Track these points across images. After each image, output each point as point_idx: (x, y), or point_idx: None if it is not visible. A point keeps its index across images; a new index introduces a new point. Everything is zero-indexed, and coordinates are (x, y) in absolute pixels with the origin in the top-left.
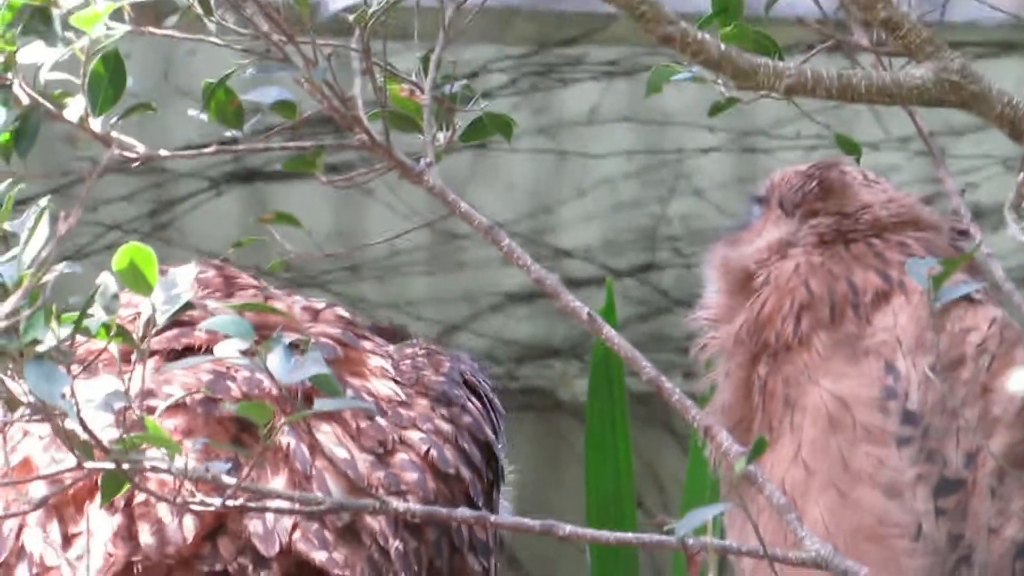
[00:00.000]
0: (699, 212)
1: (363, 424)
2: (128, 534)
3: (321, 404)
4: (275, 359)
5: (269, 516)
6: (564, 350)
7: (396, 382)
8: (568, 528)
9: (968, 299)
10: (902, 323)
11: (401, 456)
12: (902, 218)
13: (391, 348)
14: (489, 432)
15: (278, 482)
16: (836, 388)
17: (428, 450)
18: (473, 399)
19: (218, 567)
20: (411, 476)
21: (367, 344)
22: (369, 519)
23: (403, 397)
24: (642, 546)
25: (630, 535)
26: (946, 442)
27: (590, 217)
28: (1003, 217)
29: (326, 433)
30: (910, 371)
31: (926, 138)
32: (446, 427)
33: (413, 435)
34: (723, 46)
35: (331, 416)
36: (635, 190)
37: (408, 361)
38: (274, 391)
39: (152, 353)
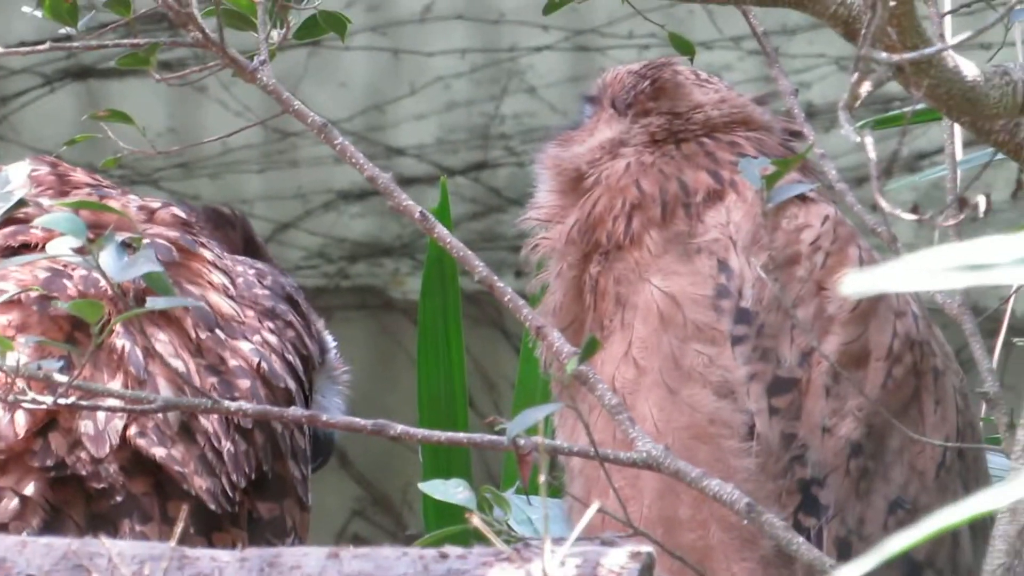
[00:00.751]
0: (532, 111)
1: (202, 335)
2: None
3: (153, 302)
4: (107, 257)
5: (100, 416)
6: (396, 248)
7: (231, 297)
8: (399, 428)
9: (801, 197)
10: (736, 221)
11: (234, 363)
12: (734, 118)
13: (225, 258)
14: (310, 345)
15: (114, 385)
16: (667, 286)
17: (259, 362)
18: (294, 313)
19: (49, 462)
20: (243, 383)
21: (206, 253)
22: (203, 420)
23: (237, 312)
24: (473, 446)
25: (461, 435)
26: (780, 340)
27: (423, 115)
28: (836, 117)
29: (162, 342)
30: (744, 269)
31: (759, 37)
32: (273, 339)
33: (244, 346)
34: None
35: (169, 324)
36: (468, 89)
37: (240, 271)
38: (110, 292)
39: None
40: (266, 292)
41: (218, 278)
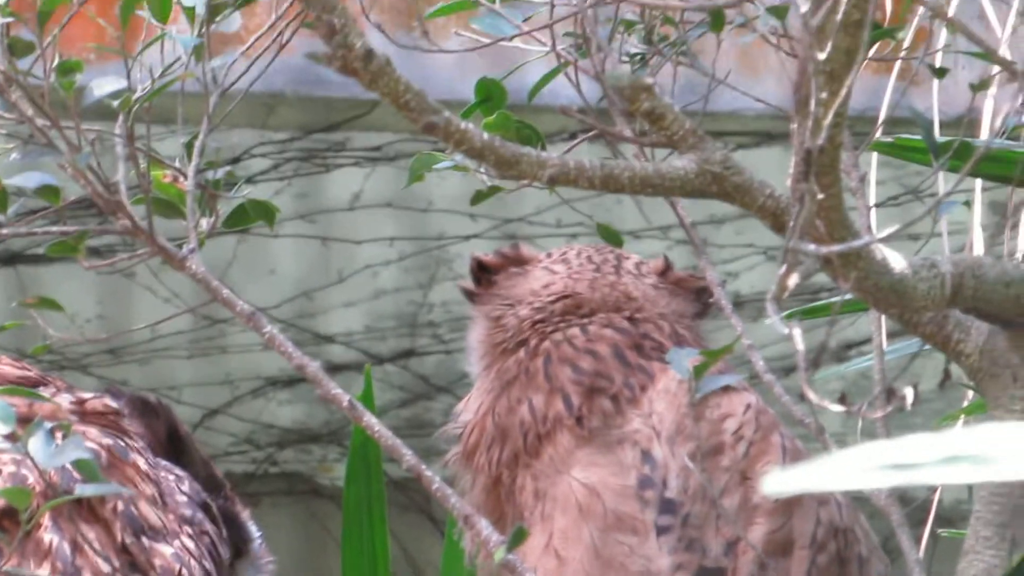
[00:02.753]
0: (460, 298)
1: (128, 539)
2: None
3: (83, 489)
4: (36, 443)
5: None
6: (324, 435)
7: (157, 507)
8: None
9: (723, 387)
10: (659, 411)
11: (158, 563)
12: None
13: (154, 467)
14: (223, 552)
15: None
16: (585, 477)
17: (180, 568)
18: (208, 521)
19: None
20: None
21: (139, 461)
22: None
23: (163, 521)
24: None
25: None
26: (706, 530)
27: (352, 303)
28: (764, 306)
29: (90, 540)
30: (668, 459)
31: (687, 228)
32: (191, 545)
33: (166, 550)
34: (486, 135)
35: (97, 522)
36: (397, 276)
37: (164, 477)
38: (38, 488)
39: None
40: (185, 499)
41: (148, 488)
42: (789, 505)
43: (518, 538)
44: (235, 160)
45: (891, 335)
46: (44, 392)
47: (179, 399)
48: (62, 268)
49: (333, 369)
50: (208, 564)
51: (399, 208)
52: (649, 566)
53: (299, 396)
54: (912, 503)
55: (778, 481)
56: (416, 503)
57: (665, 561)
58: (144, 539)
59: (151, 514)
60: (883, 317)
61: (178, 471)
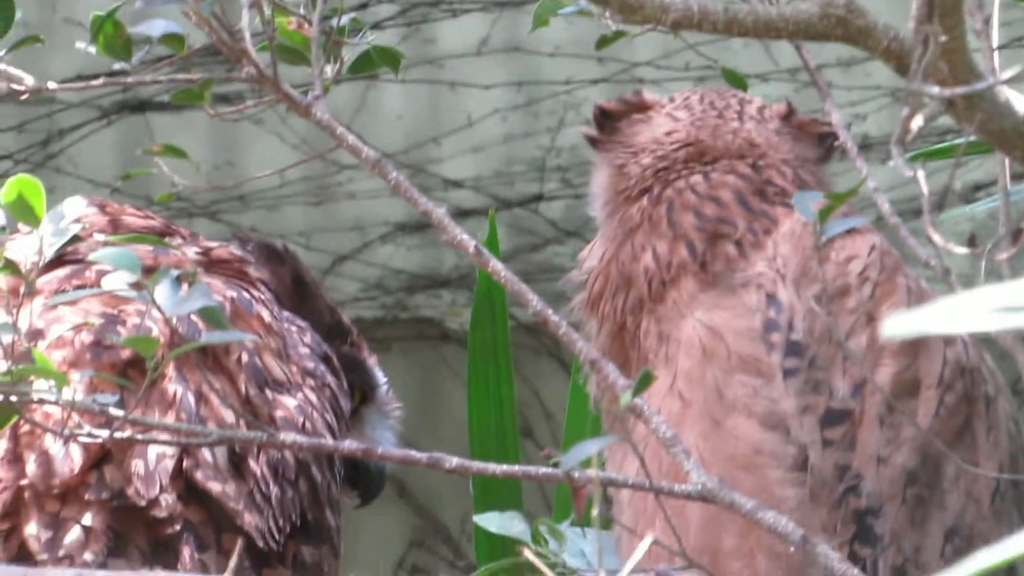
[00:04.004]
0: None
1: (251, 391)
2: (15, 458)
3: (209, 337)
4: (162, 292)
5: (151, 456)
6: (453, 280)
7: (281, 359)
8: (455, 460)
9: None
10: (784, 254)
11: (280, 415)
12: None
13: (278, 319)
14: (344, 404)
15: None
16: (709, 319)
17: (303, 420)
18: (330, 375)
19: (105, 495)
20: (286, 437)
21: (263, 313)
22: (251, 463)
23: (287, 374)
24: (528, 479)
25: (516, 468)
26: (832, 372)
27: (480, 147)
28: (890, 149)
29: (215, 391)
30: (793, 302)
31: (812, 72)
32: (314, 398)
33: (289, 403)
34: None
35: (222, 372)
36: (525, 121)
37: (288, 329)
38: (163, 338)
39: (44, 294)
40: (307, 351)
41: (272, 340)
42: (915, 346)
43: (644, 382)
44: (361, 6)
45: (1019, 176)
46: (170, 241)
47: (308, 245)
48: (190, 114)
49: (462, 214)
50: (329, 417)
51: (526, 52)
52: (774, 408)
53: (429, 241)
54: None
55: (900, 323)
56: (546, 347)
57: (791, 403)
58: (267, 391)
59: (275, 366)
60: (1007, 159)
61: (300, 322)
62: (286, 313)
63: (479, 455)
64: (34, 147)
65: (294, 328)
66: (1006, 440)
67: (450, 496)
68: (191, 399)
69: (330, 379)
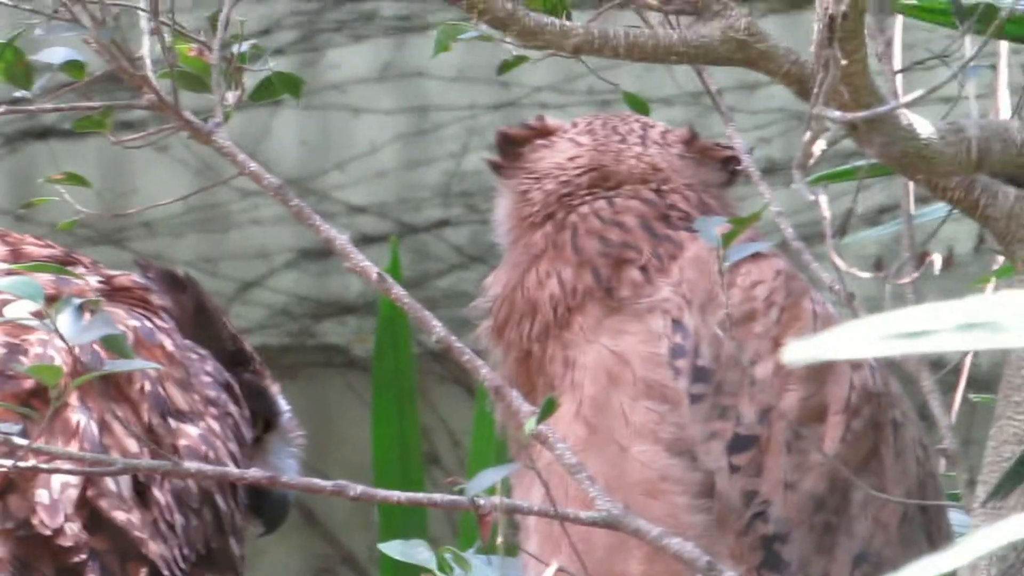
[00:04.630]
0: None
1: (155, 420)
2: None
3: (113, 365)
4: (65, 320)
5: (55, 485)
6: (360, 307)
7: (184, 390)
8: (360, 488)
9: (752, 253)
10: (690, 279)
11: (183, 444)
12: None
13: (181, 348)
14: (246, 432)
15: None
16: (615, 345)
17: (207, 450)
18: (231, 403)
19: (9, 525)
20: (191, 466)
21: (166, 343)
22: (156, 492)
23: (190, 404)
24: (433, 506)
25: (421, 496)
26: (739, 398)
27: (383, 174)
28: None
29: (118, 419)
30: (699, 327)
31: (713, 95)
32: (216, 427)
33: (192, 431)
34: (510, 5)
35: (125, 401)
36: (430, 146)
37: (189, 357)
38: (66, 368)
39: None
40: (209, 379)
41: (175, 370)
42: (822, 371)
43: (548, 409)
44: (263, 32)
45: (924, 199)
46: (72, 270)
47: (214, 272)
48: (95, 140)
49: (366, 240)
50: (232, 445)
51: (429, 77)
52: (680, 434)
53: (334, 267)
54: (946, 366)
55: (802, 348)
56: (452, 373)
57: (698, 429)
58: (170, 420)
59: (177, 395)
60: (910, 182)
61: (201, 351)
62: (187, 341)
63: (383, 482)
64: None
65: (195, 356)
66: (914, 466)
67: (357, 523)
68: (94, 428)
69: (232, 407)
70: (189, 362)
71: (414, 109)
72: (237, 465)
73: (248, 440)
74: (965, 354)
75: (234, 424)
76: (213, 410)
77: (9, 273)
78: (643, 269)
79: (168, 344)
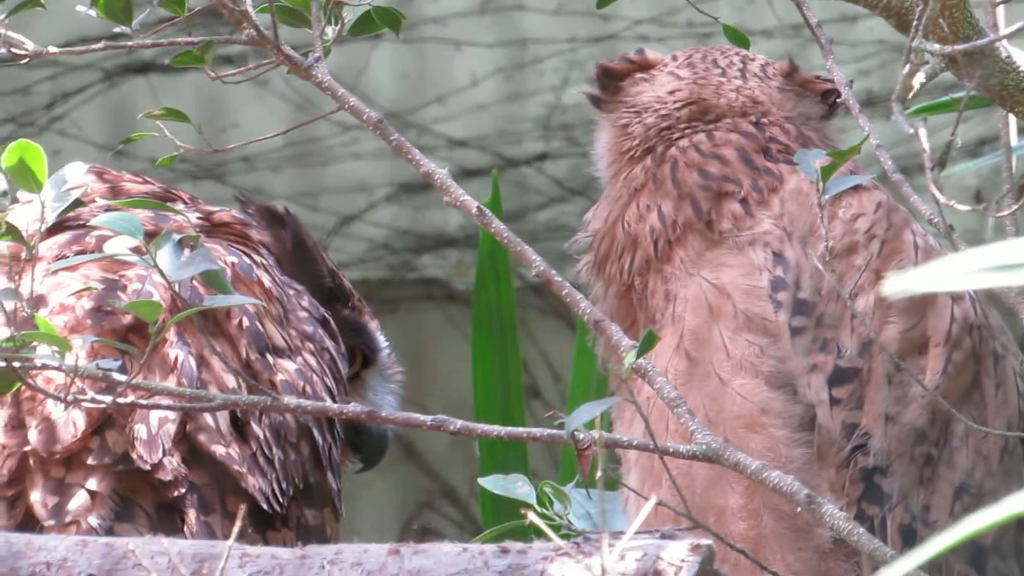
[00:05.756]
0: None
1: (252, 356)
2: (17, 424)
3: (211, 300)
4: (165, 256)
5: (153, 420)
6: (460, 240)
7: (281, 324)
8: (459, 423)
9: (853, 186)
10: (791, 212)
11: (281, 379)
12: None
13: (278, 284)
14: (342, 367)
15: None
16: (716, 278)
17: (304, 385)
18: (328, 338)
19: (107, 460)
20: (290, 401)
21: (263, 278)
22: (254, 426)
23: (287, 340)
24: (532, 440)
25: (520, 430)
26: (840, 330)
27: (483, 107)
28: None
29: (217, 354)
30: (800, 260)
31: (812, 28)
32: (313, 362)
33: (290, 366)
34: None
35: (223, 336)
36: (530, 79)
37: (288, 293)
38: (165, 303)
39: (45, 260)
40: (305, 315)
41: (272, 306)
42: (923, 303)
43: (648, 343)
44: None
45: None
46: (171, 206)
47: (314, 206)
48: (194, 75)
49: (467, 174)
50: (329, 380)
51: (529, 11)
52: (781, 367)
53: (434, 201)
54: None
55: (902, 282)
56: (552, 307)
57: (798, 362)
58: (268, 356)
59: (275, 332)
60: (1010, 115)
61: (297, 286)
62: (284, 277)
63: (484, 417)
64: (37, 111)
65: (292, 291)
66: (1015, 397)
67: (457, 458)
68: (192, 363)
69: (328, 343)
70: (286, 298)
71: (514, 42)
72: (334, 400)
73: (345, 375)
74: None
75: (331, 359)
76: (310, 345)
77: (108, 209)
78: (743, 202)
79: (266, 280)
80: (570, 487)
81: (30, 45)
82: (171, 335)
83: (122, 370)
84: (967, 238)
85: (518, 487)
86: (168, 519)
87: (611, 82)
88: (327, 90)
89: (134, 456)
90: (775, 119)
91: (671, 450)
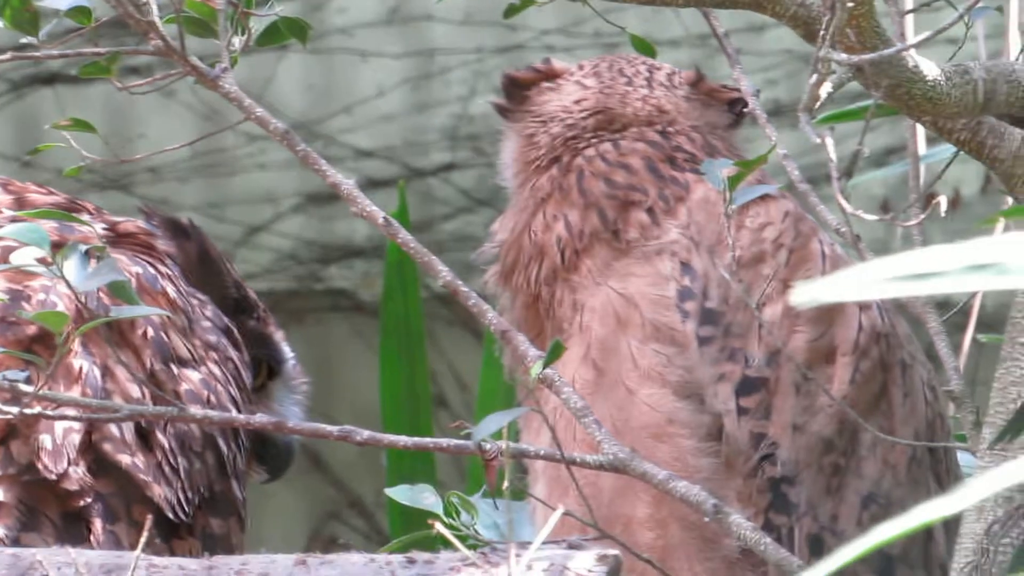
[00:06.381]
0: None
1: (157, 366)
2: None
3: (118, 311)
4: (72, 267)
5: (58, 430)
6: (367, 250)
7: (185, 336)
8: (366, 433)
9: (761, 195)
10: (698, 221)
11: (185, 388)
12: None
13: (183, 294)
14: (246, 377)
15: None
16: (623, 287)
17: (208, 395)
18: (232, 348)
19: (12, 470)
20: (197, 412)
21: (168, 289)
22: (159, 436)
23: (191, 351)
24: (439, 451)
25: (427, 440)
26: (748, 340)
27: (390, 117)
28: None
29: (121, 364)
30: (708, 269)
31: (720, 38)
32: (217, 371)
33: (194, 376)
34: None
35: (128, 347)
36: (438, 89)
37: (190, 304)
38: (70, 313)
39: None
40: (209, 324)
41: (177, 317)
42: (831, 312)
43: (555, 352)
44: None
45: (931, 141)
46: (76, 217)
47: (221, 217)
48: (102, 86)
49: (373, 184)
50: (233, 390)
51: (436, 21)
52: (688, 377)
53: (341, 212)
54: (954, 307)
55: (809, 291)
56: (460, 317)
57: (706, 371)
58: (172, 366)
59: (179, 342)
60: (917, 124)
61: (201, 296)
62: (188, 287)
63: (391, 427)
64: None
65: (195, 302)
66: (922, 406)
67: (364, 468)
68: (97, 373)
69: (232, 352)
70: (191, 308)
71: (421, 52)
72: (239, 409)
73: (249, 385)
74: (972, 295)
75: (235, 369)
76: (214, 355)
77: (14, 220)
78: (650, 211)
79: (171, 290)
80: (477, 497)
81: None
82: (76, 346)
83: (28, 381)
84: (874, 248)
85: (425, 497)
86: (74, 529)
87: (517, 92)
88: (234, 100)
89: (39, 466)
90: (681, 128)
91: (578, 460)
